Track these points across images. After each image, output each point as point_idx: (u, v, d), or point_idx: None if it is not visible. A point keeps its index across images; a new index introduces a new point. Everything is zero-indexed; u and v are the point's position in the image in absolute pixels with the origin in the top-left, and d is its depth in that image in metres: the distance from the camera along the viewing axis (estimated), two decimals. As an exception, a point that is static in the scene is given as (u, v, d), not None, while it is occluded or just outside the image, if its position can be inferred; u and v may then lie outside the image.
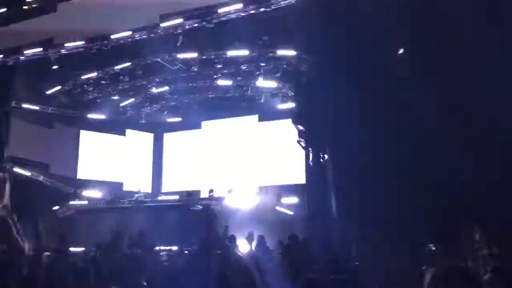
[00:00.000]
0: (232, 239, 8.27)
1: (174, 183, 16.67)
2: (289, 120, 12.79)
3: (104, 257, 6.23)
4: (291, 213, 12.53)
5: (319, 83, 10.16)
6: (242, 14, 9.86)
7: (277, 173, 14.60)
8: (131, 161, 16.46)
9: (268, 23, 10.23)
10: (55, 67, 11.93)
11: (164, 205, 14.24)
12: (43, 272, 4.30)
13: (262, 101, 14.66)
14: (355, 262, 6.05)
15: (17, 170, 12.59)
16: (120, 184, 15.97)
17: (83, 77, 13.42)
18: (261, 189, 14.41)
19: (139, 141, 17.12)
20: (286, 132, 13.75)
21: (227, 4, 9.84)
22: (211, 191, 14.20)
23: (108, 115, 15.41)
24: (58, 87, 13.61)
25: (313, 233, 9.66)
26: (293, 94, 13.13)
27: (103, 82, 13.69)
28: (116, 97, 14.84)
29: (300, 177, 13.63)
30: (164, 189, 16.76)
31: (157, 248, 9.08)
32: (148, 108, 16.18)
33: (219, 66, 12.56)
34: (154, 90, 14.77)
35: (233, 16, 9.96)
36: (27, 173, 13.13)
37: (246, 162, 15.36)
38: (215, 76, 13.57)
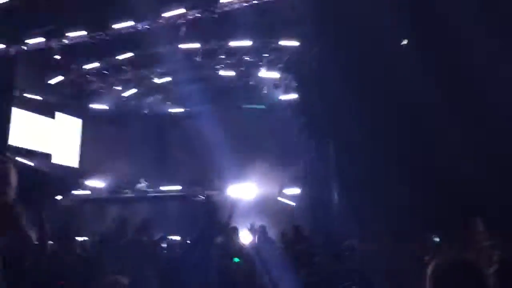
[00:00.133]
0: (235, 230, 8.28)
1: (176, 173, 16.68)
2: (292, 111, 12.77)
3: (107, 245, 6.26)
4: (293, 204, 12.56)
5: (320, 74, 10.13)
6: (245, 4, 9.80)
7: (280, 164, 14.59)
8: (133, 151, 16.45)
9: (271, 13, 10.17)
10: (57, 57, 11.91)
11: (167, 195, 14.29)
12: (47, 261, 4.32)
13: (265, 91, 14.62)
14: (357, 255, 6.07)
15: (19, 159, 12.62)
16: (123, 175, 15.99)
17: (86, 67, 13.39)
18: (263, 179, 14.42)
19: (141, 131, 17.10)
20: (288, 123, 13.72)
21: (230, -6, 9.79)
22: (213, 181, 14.23)
23: (111, 105, 15.40)
24: (61, 77, 13.59)
25: (315, 224, 9.70)
26: (295, 85, 13.09)
27: (106, 72, 13.67)
28: (119, 88, 14.81)
29: (302, 168, 13.64)
30: (166, 180, 16.77)
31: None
32: (151, 98, 16.16)
33: (221, 56, 12.52)
34: (157, 80, 14.74)
35: (236, 6, 9.91)
36: (29, 163, 13.17)
37: (249, 152, 15.34)
38: (218, 67, 13.52)
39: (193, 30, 11.05)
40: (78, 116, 15.46)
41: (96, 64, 13.31)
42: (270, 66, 12.98)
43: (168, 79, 14.72)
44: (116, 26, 10.94)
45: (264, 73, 13.33)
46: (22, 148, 13.06)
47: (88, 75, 13.70)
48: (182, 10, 10.28)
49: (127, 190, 14.38)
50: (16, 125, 12.90)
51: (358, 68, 8.15)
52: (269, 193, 13.08)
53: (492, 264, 2.27)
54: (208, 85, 15.03)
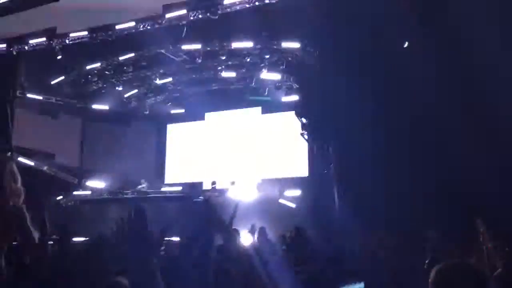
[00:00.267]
0: (236, 232, 8.27)
1: (177, 174, 16.68)
2: (293, 113, 12.75)
3: (108, 245, 6.25)
4: (294, 205, 12.54)
5: (322, 75, 10.13)
6: (247, 5, 9.81)
7: (280, 166, 14.59)
8: (134, 152, 16.45)
9: (273, 15, 10.18)
10: (59, 57, 11.93)
11: (167, 196, 14.28)
12: (47, 261, 4.32)
13: (266, 93, 14.62)
14: (357, 257, 6.06)
15: (22, 159, 12.62)
16: (124, 175, 15.99)
17: (87, 67, 13.41)
18: (264, 181, 14.41)
19: (142, 132, 17.10)
20: (289, 125, 13.71)
21: (231, -4, 9.80)
22: (213, 183, 14.22)
23: (112, 105, 15.40)
24: (62, 77, 13.61)
25: (316, 226, 9.68)
26: (297, 86, 13.08)
27: (107, 72, 13.68)
28: (120, 88, 14.83)
29: (303, 170, 13.63)
30: (167, 181, 16.77)
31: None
32: (152, 99, 16.16)
33: (223, 57, 12.52)
34: (158, 81, 14.74)
35: (238, 7, 9.91)
36: (31, 163, 13.16)
37: (249, 154, 15.34)
38: (219, 68, 13.53)
39: (195, 31, 11.06)
40: (80, 116, 15.46)
41: (97, 65, 13.34)
42: (272, 67, 12.98)
43: (170, 79, 14.72)
44: (117, 26, 10.96)
45: (265, 74, 13.33)
46: (24, 148, 13.05)
47: (90, 75, 13.72)
48: (184, 11, 10.29)
49: (127, 191, 14.36)
50: (18, 125, 12.90)
51: (359, 70, 8.16)
52: (269, 194, 13.06)
53: (496, 268, 2.26)
54: (209, 86, 15.05)
